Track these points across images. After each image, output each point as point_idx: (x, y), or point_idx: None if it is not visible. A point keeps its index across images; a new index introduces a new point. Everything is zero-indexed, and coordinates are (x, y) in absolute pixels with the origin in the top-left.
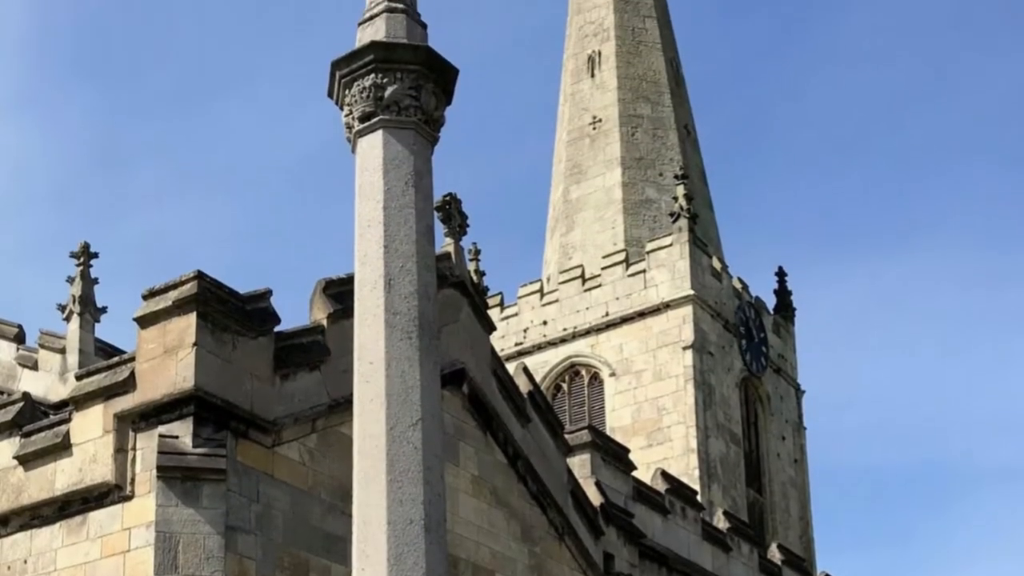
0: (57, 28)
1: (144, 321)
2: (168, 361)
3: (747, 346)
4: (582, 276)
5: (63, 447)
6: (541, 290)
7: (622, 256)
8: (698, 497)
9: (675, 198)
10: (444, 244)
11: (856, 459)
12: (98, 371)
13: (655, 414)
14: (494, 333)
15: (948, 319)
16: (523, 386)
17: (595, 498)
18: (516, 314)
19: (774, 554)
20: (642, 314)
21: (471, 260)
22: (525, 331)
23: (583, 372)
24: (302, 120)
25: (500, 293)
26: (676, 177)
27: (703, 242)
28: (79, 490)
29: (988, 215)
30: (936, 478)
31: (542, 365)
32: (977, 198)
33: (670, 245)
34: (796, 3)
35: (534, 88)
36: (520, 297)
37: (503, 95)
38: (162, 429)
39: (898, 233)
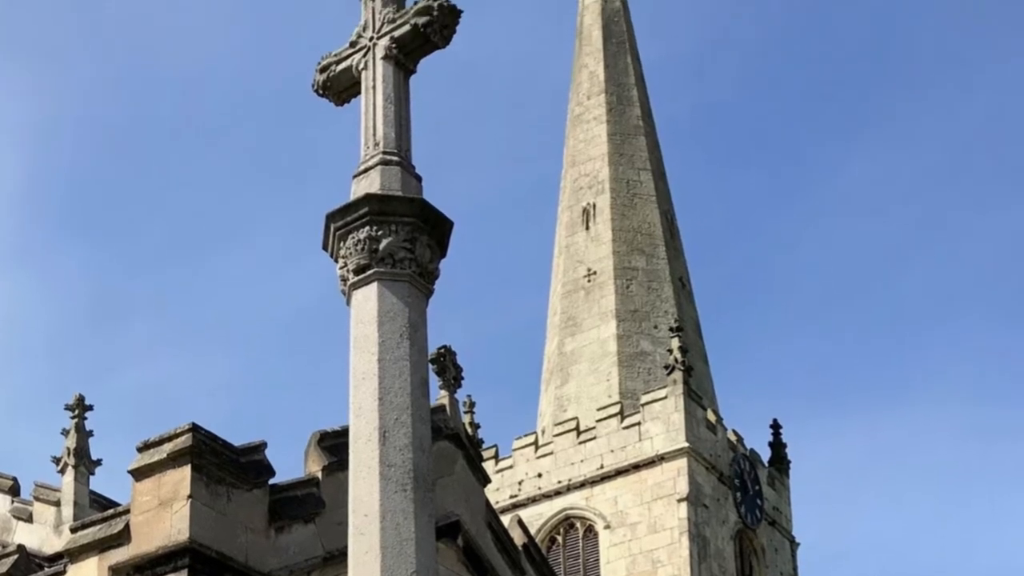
0: (52, 182)
1: (139, 473)
2: (163, 513)
3: (742, 499)
4: (577, 428)
5: None
6: (536, 442)
7: (617, 408)
8: None
9: (670, 351)
10: (439, 397)
11: None
12: (93, 523)
13: (650, 567)
14: (489, 485)
15: (944, 473)
16: (518, 539)
17: None
18: (511, 466)
19: None
20: (637, 466)
21: (466, 412)
22: (520, 483)
23: (578, 524)
24: (297, 273)
25: (495, 445)
26: (671, 330)
27: (698, 395)
28: None
29: (984, 370)
30: None
31: (537, 517)
32: (973, 352)
33: (665, 398)
34: (791, 156)
35: (529, 240)
36: (515, 449)
37: (498, 247)
38: None
39: (893, 387)
